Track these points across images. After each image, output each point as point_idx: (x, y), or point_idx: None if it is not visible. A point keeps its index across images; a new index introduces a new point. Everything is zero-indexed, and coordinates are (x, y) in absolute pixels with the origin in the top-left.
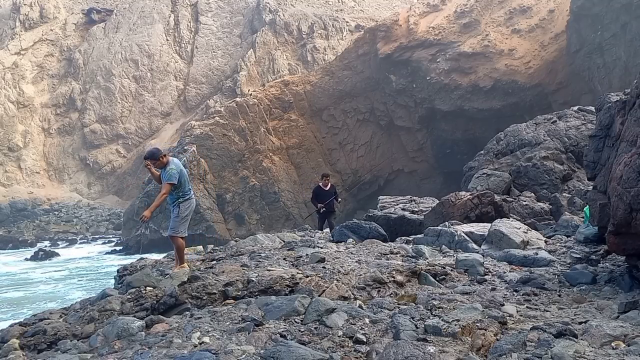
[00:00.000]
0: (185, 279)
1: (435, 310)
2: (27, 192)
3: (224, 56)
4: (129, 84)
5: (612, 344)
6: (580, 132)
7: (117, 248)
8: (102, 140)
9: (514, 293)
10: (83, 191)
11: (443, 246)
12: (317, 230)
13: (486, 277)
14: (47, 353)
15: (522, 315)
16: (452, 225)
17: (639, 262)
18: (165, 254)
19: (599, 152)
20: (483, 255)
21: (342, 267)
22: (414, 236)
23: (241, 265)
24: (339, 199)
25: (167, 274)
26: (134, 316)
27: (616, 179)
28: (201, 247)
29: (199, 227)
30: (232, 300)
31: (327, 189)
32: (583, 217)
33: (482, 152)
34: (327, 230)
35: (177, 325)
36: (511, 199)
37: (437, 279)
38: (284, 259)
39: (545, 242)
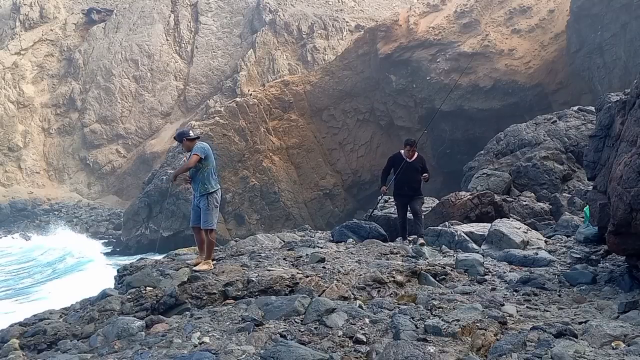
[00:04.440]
0: (185, 279)
1: (435, 310)
2: (27, 192)
3: (224, 56)
4: (129, 84)
5: (612, 344)
6: (580, 132)
7: (117, 248)
8: (102, 140)
9: (514, 293)
10: (83, 191)
11: (443, 246)
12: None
13: (486, 277)
14: (47, 353)
15: (522, 315)
16: (452, 225)
17: (639, 262)
18: (164, 254)
19: (599, 152)
20: (483, 255)
21: (342, 267)
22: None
23: (241, 265)
24: (427, 176)
25: (167, 274)
26: (134, 316)
27: (616, 179)
28: None
29: None
30: (232, 300)
31: (411, 160)
32: (583, 217)
33: (482, 152)
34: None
35: (177, 325)
36: (511, 199)
37: (437, 279)
38: (284, 259)
39: (545, 242)
